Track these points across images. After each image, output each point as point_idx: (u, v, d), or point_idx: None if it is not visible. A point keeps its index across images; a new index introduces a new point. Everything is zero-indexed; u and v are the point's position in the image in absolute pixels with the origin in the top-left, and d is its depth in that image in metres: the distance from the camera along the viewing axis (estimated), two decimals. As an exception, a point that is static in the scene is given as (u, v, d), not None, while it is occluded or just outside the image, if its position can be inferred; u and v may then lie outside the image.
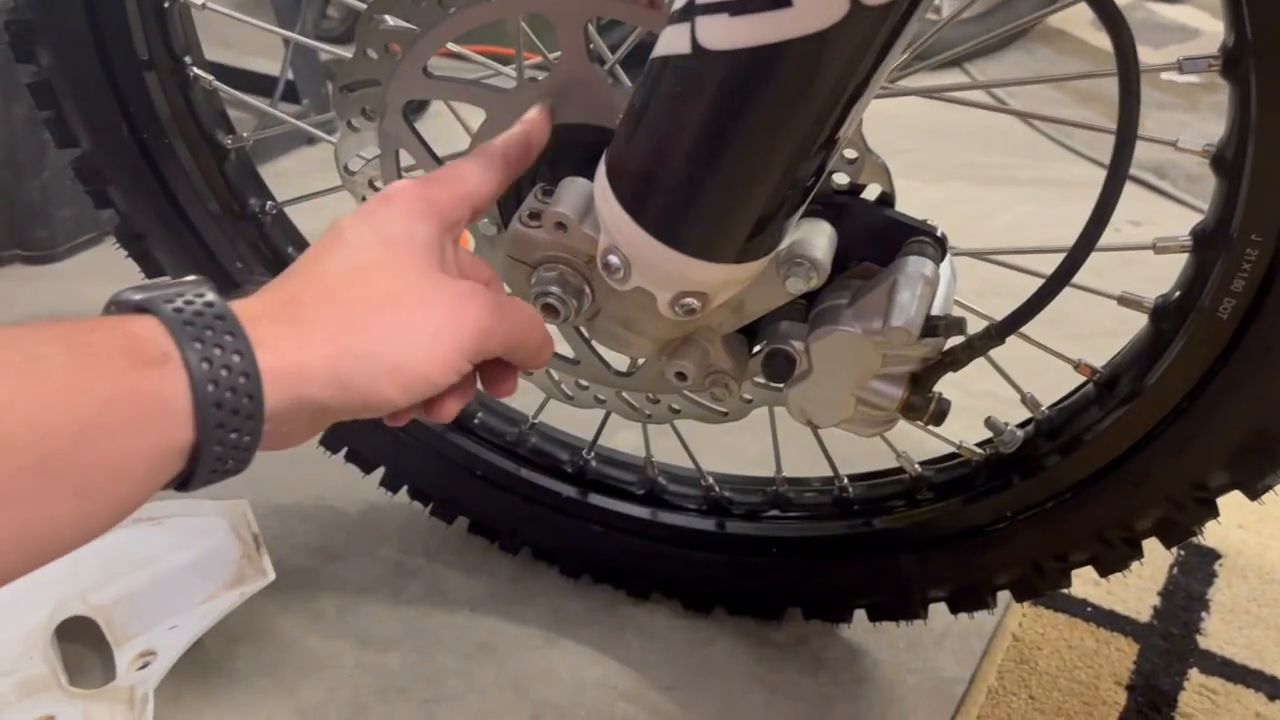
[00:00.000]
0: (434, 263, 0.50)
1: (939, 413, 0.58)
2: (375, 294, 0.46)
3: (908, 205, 0.58)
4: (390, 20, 0.60)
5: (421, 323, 0.47)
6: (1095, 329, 1.14)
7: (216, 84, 0.75)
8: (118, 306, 0.41)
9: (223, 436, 0.40)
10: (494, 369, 0.54)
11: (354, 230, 0.48)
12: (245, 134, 0.78)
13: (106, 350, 0.38)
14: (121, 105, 0.72)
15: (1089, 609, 0.91)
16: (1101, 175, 0.50)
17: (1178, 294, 0.63)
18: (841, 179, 0.57)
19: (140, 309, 0.40)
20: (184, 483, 0.42)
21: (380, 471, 0.92)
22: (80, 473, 0.37)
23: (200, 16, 0.75)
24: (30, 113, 1.25)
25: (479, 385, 0.55)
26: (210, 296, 0.41)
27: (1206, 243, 0.60)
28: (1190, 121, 1.87)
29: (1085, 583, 0.92)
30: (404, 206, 0.50)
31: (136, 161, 0.75)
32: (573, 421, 0.90)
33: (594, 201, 0.54)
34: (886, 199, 0.57)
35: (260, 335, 0.42)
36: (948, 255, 0.57)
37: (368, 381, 0.45)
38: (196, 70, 0.74)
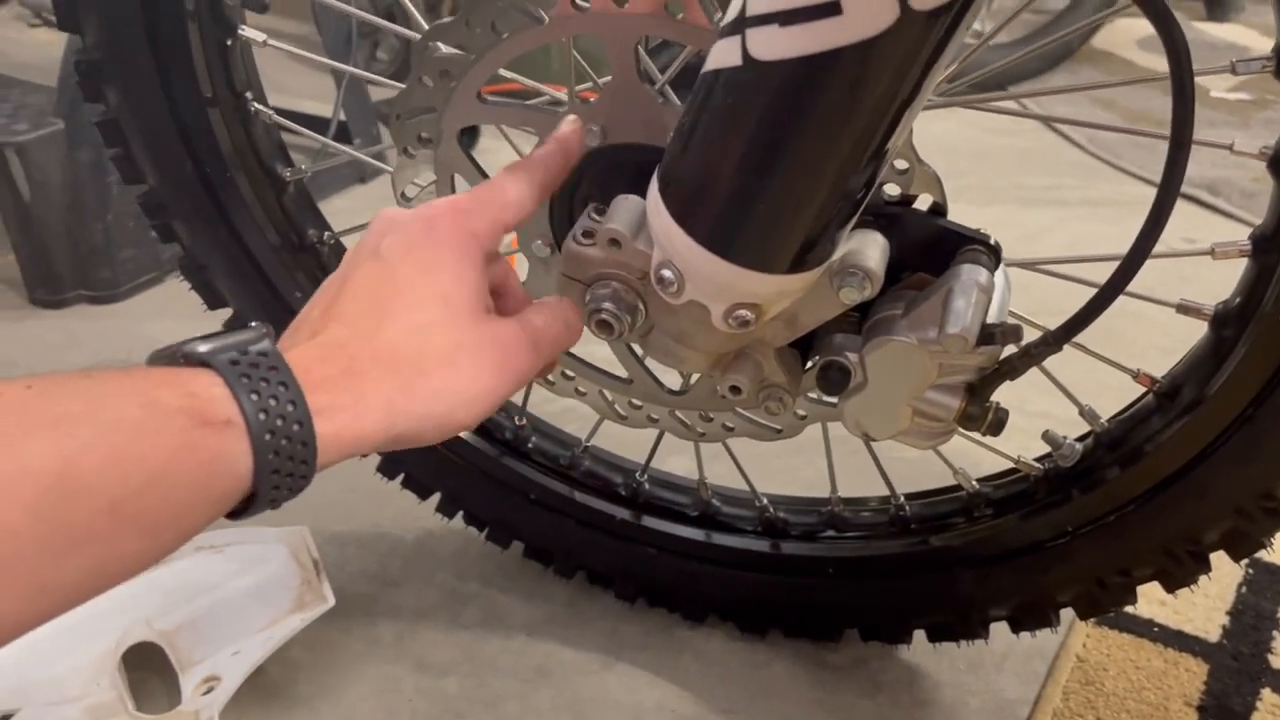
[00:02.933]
0: (481, 308, 0.52)
1: (997, 422, 0.57)
2: (432, 355, 0.49)
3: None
4: (444, 47, 0.61)
5: (471, 380, 0.50)
6: (1148, 345, 1.12)
7: (276, 118, 0.77)
8: (185, 358, 0.44)
9: (277, 481, 0.43)
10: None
11: (408, 279, 0.50)
12: (303, 167, 0.80)
13: (173, 406, 0.40)
14: (186, 141, 0.75)
15: (1156, 629, 0.89)
16: (1151, 194, 0.49)
17: (1238, 300, 0.62)
18: (893, 190, 0.57)
19: (203, 363, 0.43)
20: (233, 515, 0.44)
21: (436, 497, 0.93)
22: (148, 516, 0.39)
23: (256, 59, 0.77)
24: (94, 157, 1.30)
25: None
26: (266, 346, 0.44)
27: (1266, 246, 0.59)
28: (1242, 137, 1.84)
29: (1151, 602, 0.91)
30: (452, 247, 0.52)
31: (199, 195, 0.77)
32: (626, 444, 0.90)
33: (647, 218, 0.55)
34: (939, 209, 0.57)
35: (320, 404, 0.44)
36: (1002, 264, 0.57)
37: (415, 436, 0.49)
38: (257, 105, 0.76)
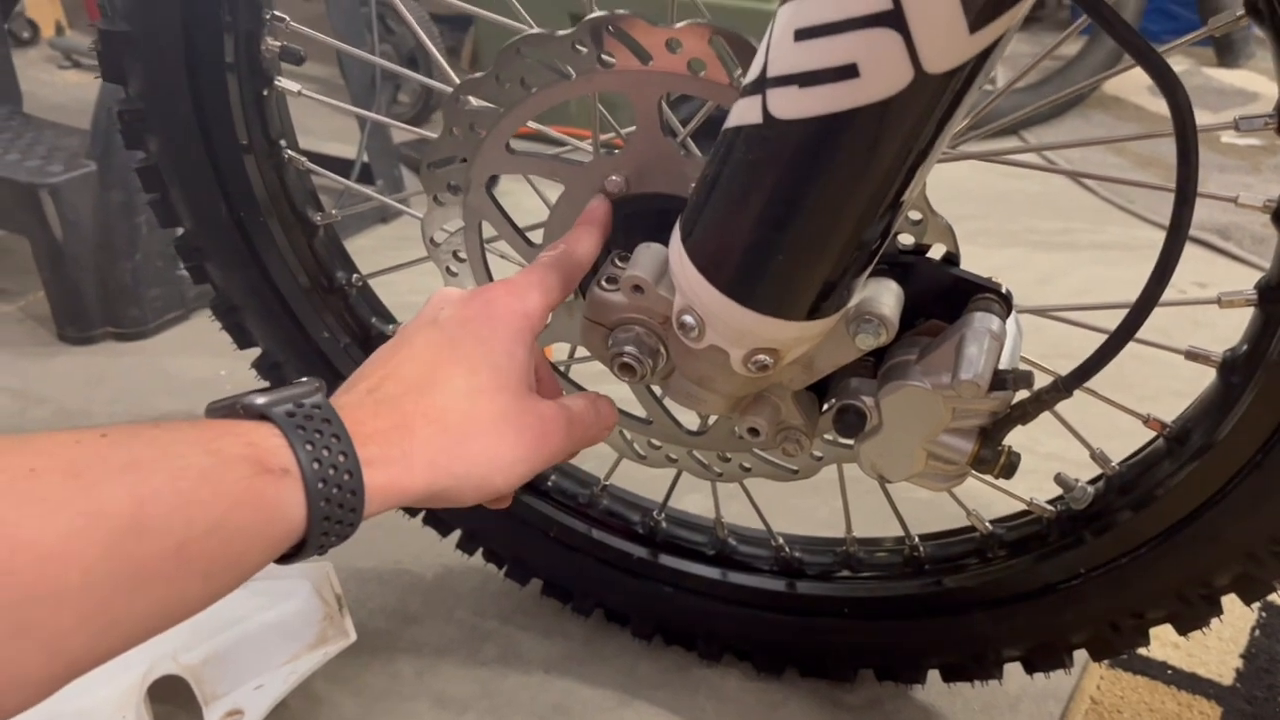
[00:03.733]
0: (527, 384, 0.55)
1: (1009, 466, 0.59)
2: (479, 419, 0.52)
3: (971, 269, 0.59)
4: (474, 100, 0.64)
5: (512, 448, 0.53)
6: (1161, 390, 1.13)
7: (308, 165, 0.80)
8: (244, 410, 0.47)
9: (327, 528, 0.46)
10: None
11: (464, 346, 0.54)
12: (334, 210, 0.82)
13: (235, 455, 0.43)
14: (222, 187, 0.77)
15: (1169, 671, 0.89)
16: (1162, 237, 0.51)
17: (1245, 347, 0.64)
18: (908, 239, 0.59)
19: (261, 416, 0.46)
20: (282, 559, 0.47)
21: (456, 534, 0.94)
22: (209, 560, 0.42)
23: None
24: (124, 198, 1.33)
25: None
26: (320, 399, 0.48)
27: (1271, 296, 0.61)
28: (1253, 183, 1.87)
29: (1164, 645, 0.91)
30: (506, 324, 0.55)
31: (234, 239, 0.79)
32: (643, 484, 0.92)
33: (669, 265, 0.57)
34: (952, 258, 0.59)
35: (371, 455, 0.47)
36: (1013, 312, 0.59)
37: (455, 495, 0.51)
38: (290, 152, 0.79)
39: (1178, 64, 2.50)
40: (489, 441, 0.52)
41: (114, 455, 0.41)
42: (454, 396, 0.52)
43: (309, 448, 0.45)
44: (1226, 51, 2.45)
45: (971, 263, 0.59)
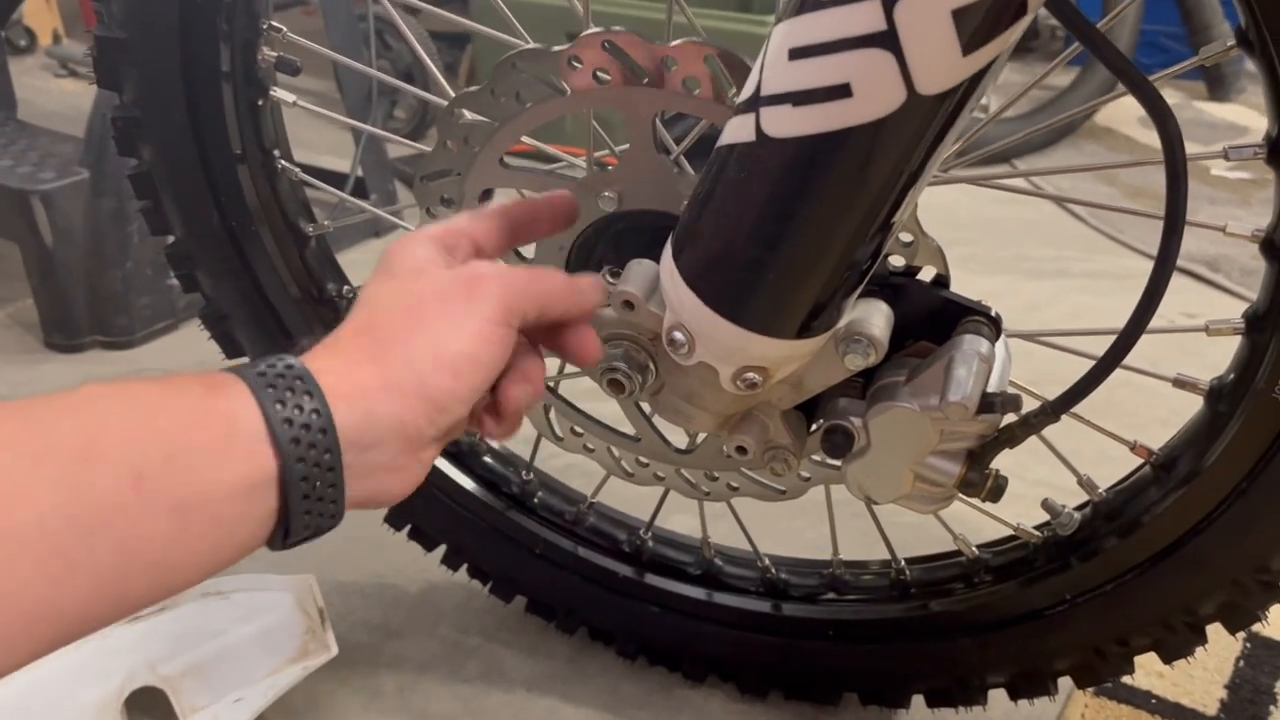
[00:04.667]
0: (437, 266, 0.52)
1: (996, 489, 0.59)
2: (396, 311, 0.50)
3: (960, 293, 0.60)
4: (469, 115, 0.64)
5: (441, 313, 0.49)
6: (1148, 419, 1.14)
7: (301, 175, 0.80)
8: None
9: (302, 454, 0.43)
10: (560, 336, 0.55)
11: (369, 284, 0.53)
12: (326, 221, 0.82)
13: (186, 383, 0.43)
14: (214, 196, 0.77)
15: (1154, 701, 0.89)
16: (1151, 267, 0.51)
17: (1232, 376, 0.64)
18: (898, 261, 0.59)
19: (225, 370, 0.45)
20: (285, 530, 0.44)
21: (441, 549, 0.94)
22: (175, 490, 0.40)
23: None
24: (116, 206, 1.33)
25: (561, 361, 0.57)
26: (283, 356, 0.46)
27: (1258, 326, 0.61)
28: (1242, 216, 1.88)
29: (1149, 674, 0.91)
30: (398, 246, 0.53)
31: (225, 248, 0.79)
32: (630, 502, 0.92)
33: (660, 281, 0.57)
34: (942, 280, 0.59)
35: (315, 368, 0.45)
36: (1002, 335, 0.59)
37: (418, 380, 0.47)
38: (284, 162, 0.79)
39: (1169, 97, 2.52)
40: (414, 319, 0.49)
41: (66, 400, 0.40)
42: (369, 310, 0.50)
43: (252, 368, 0.44)
44: (1217, 85, 2.48)
45: (961, 288, 0.59)
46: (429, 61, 0.74)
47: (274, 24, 0.72)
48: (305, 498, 0.44)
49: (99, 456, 0.38)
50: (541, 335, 0.55)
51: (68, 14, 2.74)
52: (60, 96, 2.39)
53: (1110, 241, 1.80)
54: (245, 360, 0.46)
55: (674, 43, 0.57)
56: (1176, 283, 0.52)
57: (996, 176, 0.72)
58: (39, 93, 2.38)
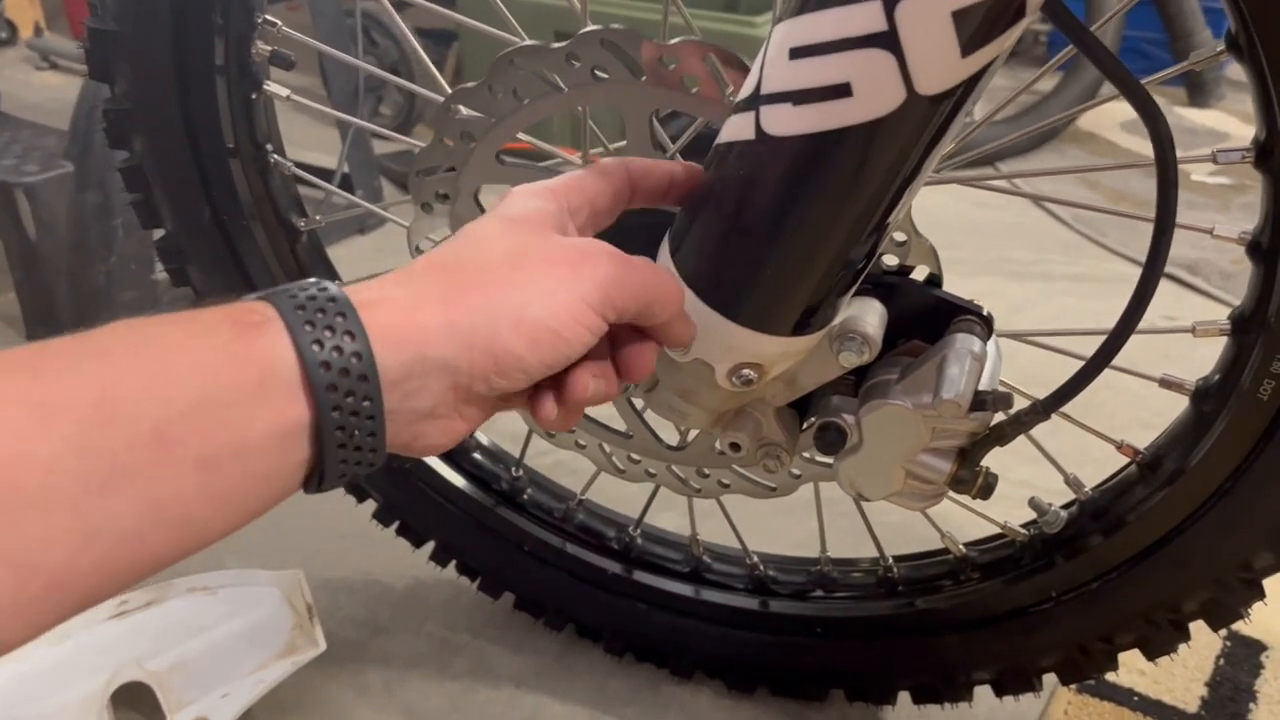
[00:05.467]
0: (551, 228, 0.48)
1: (986, 487, 0.59)
2: (490, 258, 0.45)
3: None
4: (466, 110, 0.64)
5: (539, 275, 0.45)
6: (1130, 420, 1.15)
7: (294, 170, 0.80)
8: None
9: (339, 401, 0.39)
10: (629, 345, 0.51)
11: (480, 220, 0.49)
12: (318, 216, 0.82)
13: (212, 322, 0.39)
14: (206, 190, 0.77)
15: (1135, 698, 0.90)
16: (1133, 271, 0.52)
17: (1218, 377, 0.65)
18: (891, 260, 0.60)
19: (260, 299, 0.41)
20: (320, 475, 0.41)
21: (430, 546, 0.94)
22: (199, 443, 0.37)
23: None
24: (101, 200, 1.32)
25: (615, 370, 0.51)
26: (324, 283, 0.42)
27: (1244, 327, 0.62)
28: (1222, 220, 1.89)
29: (1131, 671, 0.92)
30: (519, 192, 0.50)
31: (216, 242, 0.79)
32: (620, 499, 0.92)
33: (656, 278, 0.57)
34: (935, 279, 0.60)
35: (370, 299, 0.42)
36: (994, 334, 0.59)
37: (489, 336, 0.43)
38: (276, 157, 0.79)
39: (1150, 103, 2.54)
40: (507, 272, 0.44)
41: (80, 347, 0.36)
42: (461, 248, 0.46)
43: (300, 312, 0.40)
44: (1199, 92, 2.50)
45: (951, 290, 0.60)
46: (424, 56, 0.74)
47: (269, 18, 0.72)
48: (341, 446, 0.41)
49: (115, 411, 0.35)
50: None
51: (49, 7, 2.72)
52: (42, 89, 2.37)
53: (1093, 245, 1.81)
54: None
55: (672, 41, 0.57)
56: (1160, 286, 0.52)
57: (981, 178, 0.72)
58: (20, 85, 2.36)
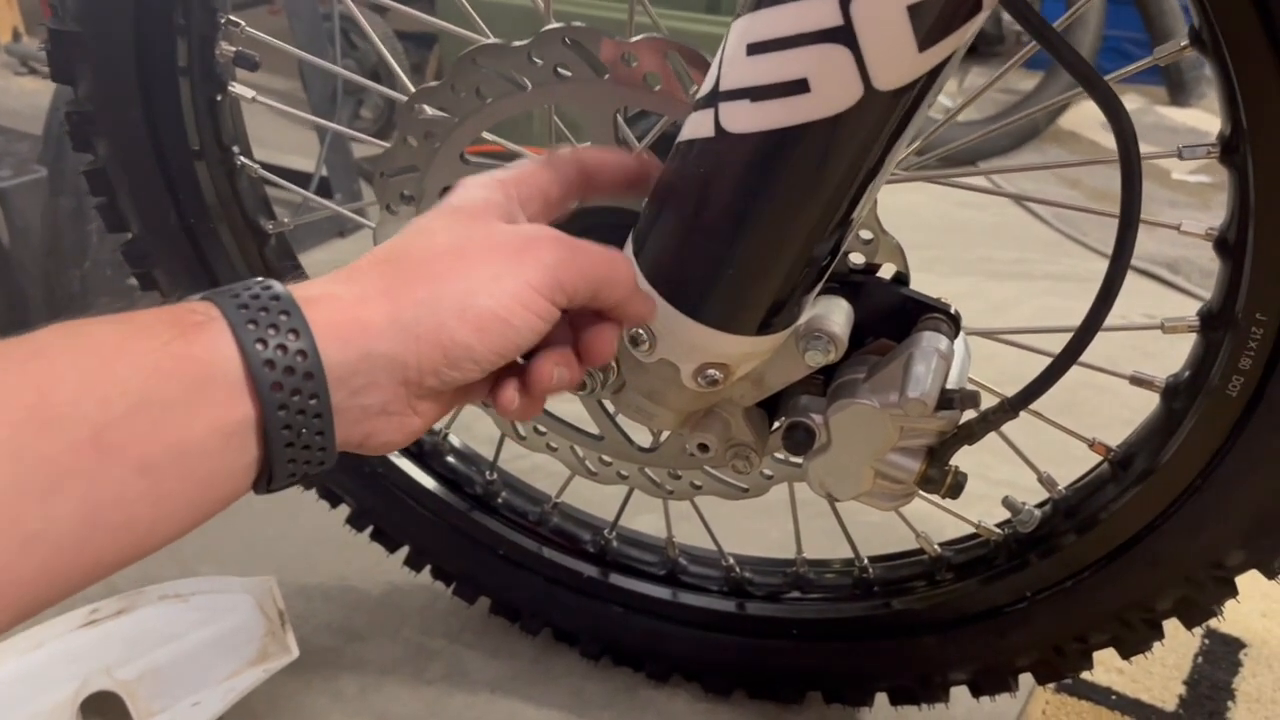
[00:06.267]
0: (497, 217, 0.48)
1: (955, 486, 0.59)
2: (435, 250, 0.45)
3: (922, 291, 0.60)
4: (429, 109, 0.64)
5: (484, 263, 0.44)
6: (1111, 418, 1.15)
7: (261, 172, 0.79)
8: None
9: (284, 400, 0.39)
10: (589, 329, 0.51)
11: (422, 215, 0.48)
12: (286, 219, 0.81)
13: (152, 323, 0.38)
14: (171, 192, 0.76)
15: (1114, 697, 0.90)
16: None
17: (1188, 373, 0.65)
18: (858, 259, 0.59)
19: (202, 299, 0.41)
20: (269, 476, 0.40)
21: (404, 550, 0.93)
22: (141, 446, 0.36)
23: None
24: (75, 205, 1.31)
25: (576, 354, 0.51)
26: (268, 282, 0.41)
27: (1213, 323, 0.62)
28: (1203, 219, 1.90)
29: (1109, 670, 0.92)
30: (466, 183, 0.50)
31: (183, 245, 0.78)
32: (595, 502, 0.91)
33: (621, 278, 0.57)
34: (901, 278, 0.60)
35: (314, 296, 0.41)
36: (961, 332, 0.59)
37: (435, 327, 0.43)
38: (243, 159, 0.78)
39: (1131, 102, 2.55)
40: (451, 262, 0.44)
41: (16, 350, 0.36)
42: (404, 239, 0.45)
43: (243, 311, 0.39)
44: (1179, 90, 2.51)
45: (926, 290, 0.59)
46: (388, 56, 0.74)
47: (232, 18, 0.72)
48: (289, 445, 0.40)
49: (52, 415, 0.34)
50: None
51: (28, 11, 2.70)
52: (20, 95, 2.36)
53: (1074, 244, 1.82)
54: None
55: (634, 38, 0.56)
56: (1138, 285, 0.52)
57: (958, 175, 0.72)
58: (-2, 90, 2.34)
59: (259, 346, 0.39)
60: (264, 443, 0.40)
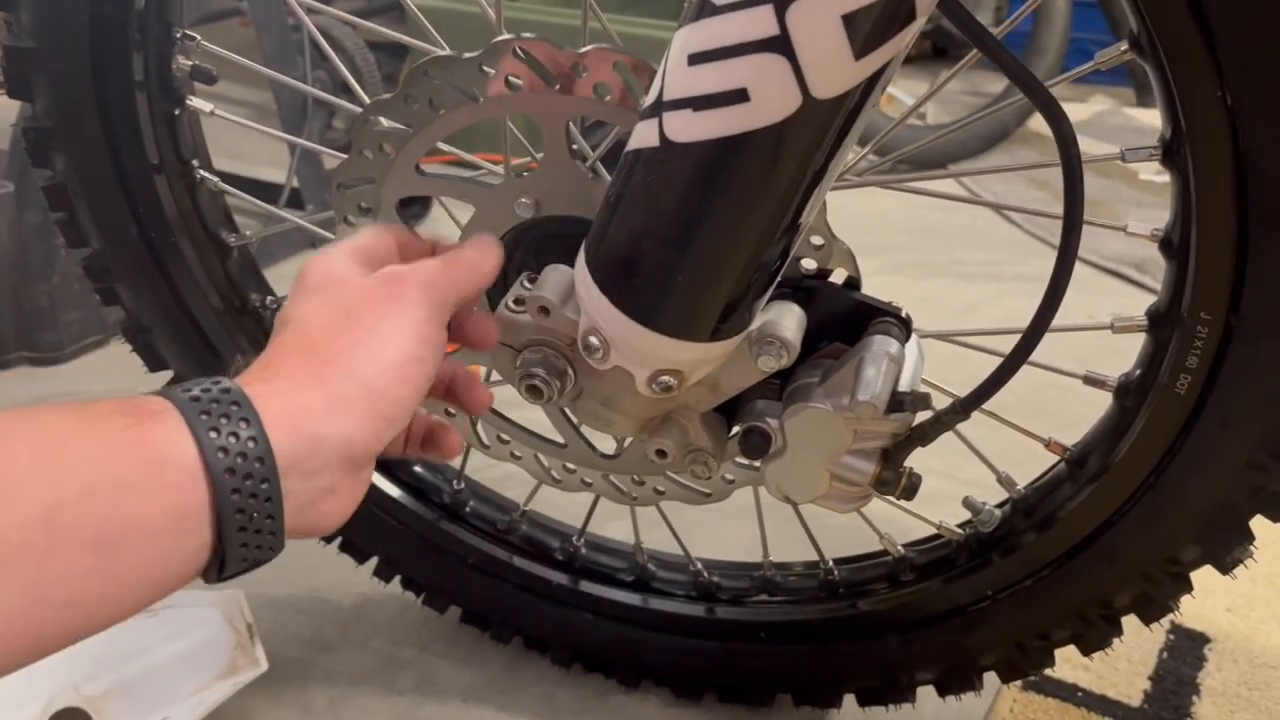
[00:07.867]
0: (355, 275, 0.51)
1: (910, 487, 0.60)
2: (328, 324, 0.48)
3: (898, 301, 0.60)
4: (384, 121, 0.64)
5: (375, 319, 0.48)
6: (1074, 417, 1.16)
7: (222, 185, 0.79)
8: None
9: (237, 484, 0.41)
10: (460, 320, 0.57)
11: (291, 303, 0.52)
12: (248, 233, 0.81)
13: (110, 411, 0.40)
14: (131, 206, 0.76)
15: (1079, 694, 0.91)
16: (1083, 270, 0.53)
17: (1138, 372, 0.66)
18: (810, 264, 0.60)
19: (155, 394, 0.43)
20: (221, 563, 0.42)
21: (374, 561, 0.93)
22: (94, 526, 0.37)
23: (210, 127, 0.80)
24: (42, 220, 1.31)
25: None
26: (218, 378, 0.44)
27: (1160, 322, 0.63)
28: (1166, 219, 1.92)
29: (1075, 667, 0.93)
30: (312, 262, 0.53)
31: (144, 260, 0.78)
32: (564, 510, 0.92)
33: (575, 286, 0.57)
34: (853, 282, 0.60)
35: (260, 391, 0.44)
36: (913, 335, 0.60)
37: (365, 392, 0.46)
38: (203, 173, 0.78)
39: (1099, 103, 2.58)
40: (351, 331, 0.48)
41: None
42: (299, 326, 0.49)
43: (195, 403, 0.41)
44: (1146, 92, 2.54)
45: (897, 293, 0.60)
46: (341, 67, 0.74)
47: (189, 33, 0.72)
48: (241, 530, 0.42)
49: (4, 494, 0.36)
50: None
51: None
52: (-11, 110, 2.34)
53: (1043, 246, 1.83)
54: (173, 381, 0.43)
55: (584, 49, 0.57)
56: (1107, 284, 0.53)
57: (924, 178, 0.73)
58: (-33, 106, 2.33)
59: (212, 434, 0.41)
60: (217, 526, 0.41)
